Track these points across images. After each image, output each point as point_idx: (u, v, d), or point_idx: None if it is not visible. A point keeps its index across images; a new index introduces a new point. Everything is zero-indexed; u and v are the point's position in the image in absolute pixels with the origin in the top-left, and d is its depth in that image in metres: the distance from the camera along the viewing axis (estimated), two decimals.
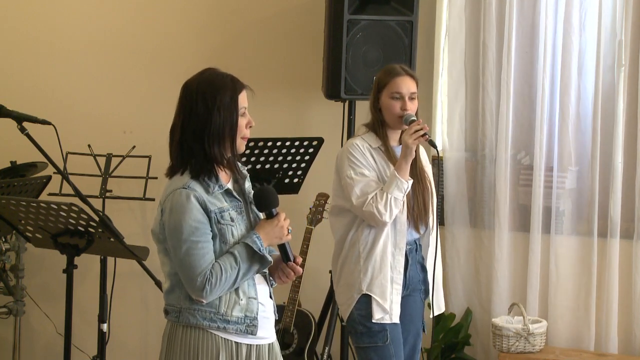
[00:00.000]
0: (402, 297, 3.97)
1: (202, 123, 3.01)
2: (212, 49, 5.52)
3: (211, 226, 2.98)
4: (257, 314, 3.08)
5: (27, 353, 5.56)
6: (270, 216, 3.09)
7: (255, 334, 3.07)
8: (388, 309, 3.90)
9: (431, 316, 4.16)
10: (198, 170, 3.00)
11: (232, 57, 5.45)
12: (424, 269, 4.06)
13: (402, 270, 3.93)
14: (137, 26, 5.58)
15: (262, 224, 3.08)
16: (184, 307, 3.02)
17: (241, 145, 3.07)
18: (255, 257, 3.01)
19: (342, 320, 4.08)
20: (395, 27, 4.81)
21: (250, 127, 3.08)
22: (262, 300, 3.11)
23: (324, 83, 4.96)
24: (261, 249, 3.01)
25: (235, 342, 3.06)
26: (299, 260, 3.16)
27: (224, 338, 3.04)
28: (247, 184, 3.18)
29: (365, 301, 3.91)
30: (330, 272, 4.20)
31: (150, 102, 5.58)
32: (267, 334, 3.14)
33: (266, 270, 3.13)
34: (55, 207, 3.70)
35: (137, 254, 4.02)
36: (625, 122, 4.95)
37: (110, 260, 5.00)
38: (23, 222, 3.90)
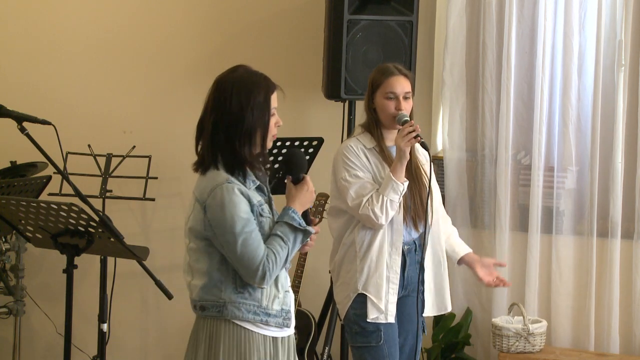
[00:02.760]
0: (401, 298, 3.97)
1: (235, 121, 3.04)
2: (212, 49, 5.52)
3: (254, 218, 3.04)
4: (290, 306, 3.16)
5: (27, 353, 5.56)
6: (297, 181, 3.14)
7: (289, 327, 3.16)
8: (383, 308, 3.90)
9: (430, 314, 4.15)
10: (231, 166, 3.05)
11: (232, 57, 5.40)
12: (422, 269, 4.05)
13: (398, 269, 3.93)
14: (137, 26, 5.59)
15: (294, 193, 3.14)
16: (229, 301, 3.05)
17: (269, 144, 3.13)
18: (297, 230, 3.07)
19: (341, 320, 4.08)
20: (395, 27, 4.81)
21: (278, 126, 3.13)
22: (291, 293, 3.21)
23: (324, 83, 4.96)
24: (300, 223, 3.08)
25: (272, 337, 3.12)
26: (316, 220, 3.26)
27: (264, 335, 3.10)
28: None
29: (361, 300, 3.91)
30: (330, 271, 4.20)
31: (150, 102, 5.59)
32: (292, 325, 3.23)
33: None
34: (55, 207, 3.70)
35: (137, 254, 4.01)
36: (625, 122, 4.95)
37: (110, 260, 5.00)
38: (23, 222, 3.89)
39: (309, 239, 3.16)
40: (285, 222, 3.07)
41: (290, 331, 3.20)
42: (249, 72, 3.11)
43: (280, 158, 4.72)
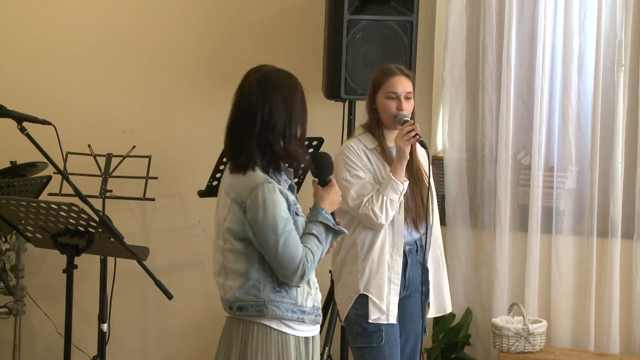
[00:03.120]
0: (403, 298, 3.97)
1: (274, 119, 3.04)
2: (212, 49, 5.52)
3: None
4: (319, 303, 3.22)
5: (27, 353, 5.56)
6: (324, 183, 3.20)
7: (319, 323, 3.21)
8: (385, 309, 3.90)
9: (430, 315, 4.17)
10: (267, 166, 3.07)
11: (232, 57, 5.45)
12: (425, 270, 4.05)
13: (399, 270, 3.93)
14: (137, 26, 5.58)
15: (323, 195, 3.19)
16: (268, 300, 3.08)
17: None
18: (329, 230, 3.12)
19: (341, 321, 4.08)
20: (395, 27, 4.80)
21: None
22: (318, 288, 3.25)
23: (324, 83, 4.96)
24: (333, 223, 3.13)
25: (305, 337, 3.17)
26: (341, 222, 3.31)
27: (297, 337, 3.14)
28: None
29: (362, 301, 3.91)
30: (331, 272, 4.20)
31: (150, 102, 5.59)
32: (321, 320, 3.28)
33: None
34: (55, 207, 3.70)
35: (137, 254, 4.02)
36: (625, 122, 4.94)
37: (110, 260, 5.00)
38: (23, 222, 3.89)
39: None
40: (321, 222, 3.11)
41: (318, 329, 3.25)
42: (284, 73, 3.15)
43: None
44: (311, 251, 3.06)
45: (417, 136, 3.82)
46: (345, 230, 3.21)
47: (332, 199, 3.19)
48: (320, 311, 3.22)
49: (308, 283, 3.16)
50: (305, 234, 3.09)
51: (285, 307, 3.10)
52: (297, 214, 3.10)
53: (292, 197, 3.11)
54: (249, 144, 3.06)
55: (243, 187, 3.05)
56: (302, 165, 3.16)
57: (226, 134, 3.13)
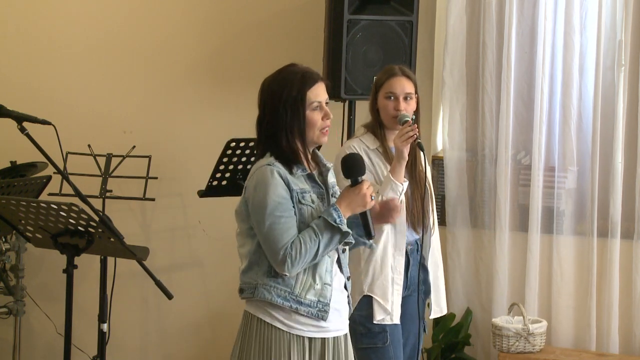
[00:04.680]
0: (403, 298, 3.97)
1: (271, 119, 3.11)
2: (212, 49, 5.52)
3: (292, 205, 3.07)
4: (329, 301, 3.14)
5: (27, 353, 5.56)
6: (355, 183, 3.16)
7: (325, 320, 3.13)
8: (390, 309, 3.90)
9: (431, 317, 4.17)
10: (280, 155, 3.11)
11: (232, 57, 5.45)
12: (425, 270, 4.05)
13: (402, 270, 3.93)
14: (137, 26, 5.59)
15: (344, 194, 3.16)
16: (260, 283, 3.09)
17: (320, 138, 3.17)
18: (335, 228, 3.07)
19: None
20: (395, 27, 4.80)
21: (329, 119, 3.17)
22: (336, 290, 3.18)
23: None
24: (337, 220, 3.07)
25: (308, 337, 3.13)
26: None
27: (297, 335, 3.11)
28: (332, 179, 3.27)
29: (367, 302, 3.91)
30: None
31: (150, 102, 5.59)
32: (340, 325, 3.22)
33: (346, 248, 3.23)
34: (55, 207, 3.70)
35: (137, 254, 4.01)
36: (625, 122, 4.95)
37: (110, 260, 5.00)
38: (23, 222, 3.89)
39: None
40: (322, 217, 3.08)
41: (337, 332, 3.20)
42: (287, 71, 3.17)
43: None
44: (301, 241, 3.03)
45: (415, 136, 3.81)
46: (349, 231, 3.11)
47: (353, 200, 3.13)
48: (328, 308, 3.14)
49: (313, 276, 3.12)
50: (308, 227, 3.08)
51: (276, 293, 3.08)
52: (300, 202, 3.09)
53: (302, 186, 3.11)
54: (259, 139, 3.17)
55: (251, 171, 3.15)
56: (302, 156, 3.16)
57: None
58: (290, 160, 3.11)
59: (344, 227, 3.09)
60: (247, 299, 3.15)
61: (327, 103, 3.19)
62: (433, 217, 4.06)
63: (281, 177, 3.06)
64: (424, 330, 4.12)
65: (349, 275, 3.28)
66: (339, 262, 3.23)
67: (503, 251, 5.11)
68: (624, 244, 4.98)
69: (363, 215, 3.20)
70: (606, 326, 4.98)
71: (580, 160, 5.06)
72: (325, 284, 3.15)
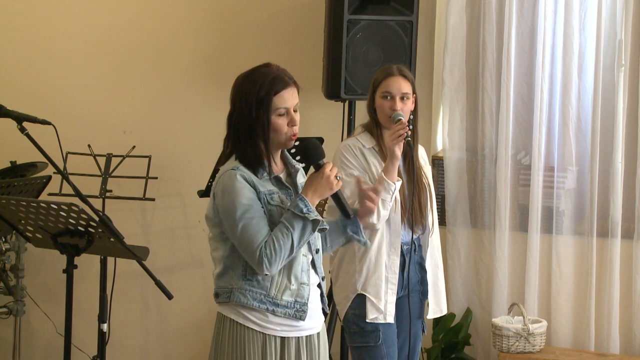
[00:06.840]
0: (401, 297, 3.97)
1: (238, 118, 3.09)
2: (212, 49, 5.52)
3: (262, 206, 3.06)
4: (307, 300, 3.14)
5: (27, 353, 5.56)
6: (318, 168, 3.13)
7: (304, 319, 3.13)
8: (382, 308, 3.90)
9: (429, 316, 4.17)
10: (243, 158, 3.09)
11: (232, 57, 5.45)
12: (423, 269, 4.05)
13: (397, 270, 3.93)
14: (137, 26, 5.59)
15: (308, 181, 3.12)
16: (236, 287, 3.09)
17: (287, 142, 3.12)
18: (304, 218, 3.04)
19: (341, 320, 4.08)
20: (395, 27, 4.80)
21: (294, 125, 3.12)
22: (312, 288, 3.18)
23: (324, 83, 4.96)
24: (304, 210, 3.03)
25: (281, 337, 3.12)
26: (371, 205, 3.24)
27: (270, 335, 3.10)
28: (302, 180, 3.24)
29: (360, 301, 3.91)
30: (330, 272, 4.20)
31: (150, 102, 5.59)
32: (314, 323, 3.20)
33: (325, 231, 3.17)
34: (55, 207, 3.70)
35: (137, 254, 4.02)
36: (625, 122, 4.95)
37: (110, 260, 5.00)
38: (23, 222, 3.89)
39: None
40: (289, 210, 3.06)
41: (312, 330, 3.19)
42: (259, 72, 3.12)
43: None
44: (273, 239, 3.01)
45: (405, 135, 3.79)
46: (319, 218, 3.05)
47: (318, 185, 3.09)
48: (306, 307, 3.13)
49: (288, 276, 3.10)
50: (279, 223, 3.06)
51: (252, 296, 3.07)
52: (269, 203, 3.07)
53: (268, 187, 3.09)
54: (226, 137, 3.15)
55: (217, 176, 3.13)
56: (265, 160, 3.12)
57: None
58: (254, 164, 3.09)
59: (312, 216, 3.04)
60: (222, 303, 3.14)
61: (295, 110, 3.14)
62: (433, 217, 4.06)
63: (246, 180, 3.04)
64: (423, 331, 4.12)
65: (323, 275, 3.27)
66: (312, 262, 3.21)
67: (503, 251, 5.11)
68: (624, 244, 4.98)
69: (335, 197, 3.16)
70: (606, 326, 4.98)
71: (579, 161, 5.06)
72: (302, 283, 3.14)
